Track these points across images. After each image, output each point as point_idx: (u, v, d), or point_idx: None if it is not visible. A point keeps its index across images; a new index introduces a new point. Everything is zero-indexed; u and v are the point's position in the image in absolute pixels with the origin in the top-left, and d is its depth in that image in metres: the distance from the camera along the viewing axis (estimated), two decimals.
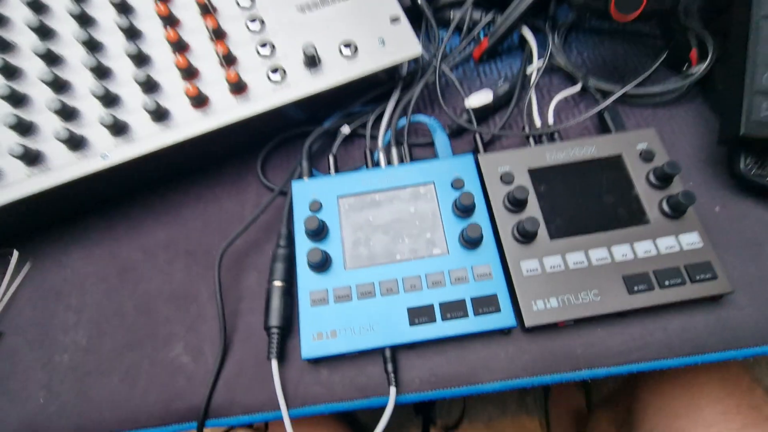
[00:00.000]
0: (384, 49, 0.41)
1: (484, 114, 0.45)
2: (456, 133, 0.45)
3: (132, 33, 0.40)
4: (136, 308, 0.38)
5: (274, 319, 0.34)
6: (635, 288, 0.33)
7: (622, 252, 0.35)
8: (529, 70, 0.47)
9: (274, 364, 0.34)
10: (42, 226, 0.42)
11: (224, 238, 0.40)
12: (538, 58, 0.47)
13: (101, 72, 0.38)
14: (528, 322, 0.33)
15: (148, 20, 0.41)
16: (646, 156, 0.38)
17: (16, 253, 0.41)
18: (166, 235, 0.41)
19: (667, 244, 0.35)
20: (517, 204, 0.36)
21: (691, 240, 0.35)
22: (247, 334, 0.36)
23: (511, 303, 0.33)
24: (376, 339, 0.33)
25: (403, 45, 0.41)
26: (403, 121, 0.44)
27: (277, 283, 0.36)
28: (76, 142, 0.36)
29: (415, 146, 0.45)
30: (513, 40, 0.51)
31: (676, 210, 0.35)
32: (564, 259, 0.35)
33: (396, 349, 0.34)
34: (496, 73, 0.49)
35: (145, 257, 0.40)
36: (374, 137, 0.45)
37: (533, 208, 0.36)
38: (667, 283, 0.33)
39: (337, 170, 0.41)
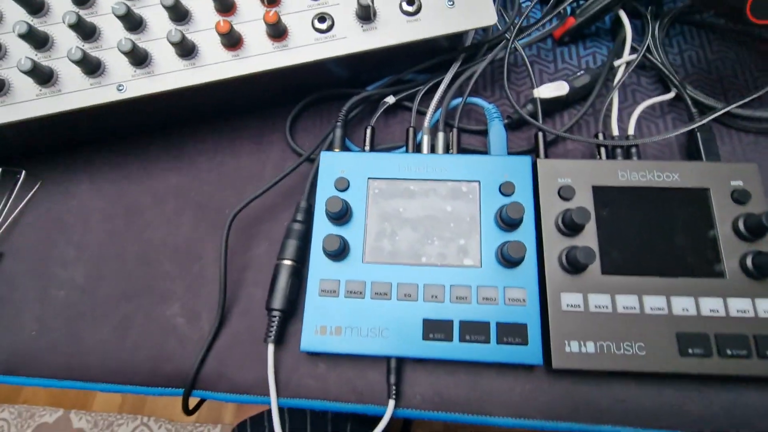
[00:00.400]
0: (452, 11, 0.34)
1: (553, 107, 0.39)
2: (516, 125, 0.39)
3: None
4: (137, 256, 0.36)
5: (278, 302, 0.32)
6: (689, 350, 0.29)
7: (683, 305, 0.30)
8: (616, 63, 0.39)
9: (270, 348, 0.31)
10: (52, 148, 0.40)
11: (238, 196, 0.37)
12: (631, 51, 0.39)
13: None
14: (556, 364, 0.29)
15: None
16: (740, 197, 0.31)
17: (23, 173, 0.38)
18: (177, 182, 0.38)
19: (739, 306, 0.29)
20: (572, 228, 0.30)
21: None
22: (247, 307, 0.34)
23: (541, 337, 0.29)
24: (384, 346, 0.30)
25: (475, 9, 0.35)
26: (457, 102, 0.38)
27: (287, 262, 0.33)
28: (92, 66, 0.33)
29: (465, 132, 0.39)
30: (604, 22, 0.43)
31: (762, 270, 0.29)
32: (613, 300, 0.30)
33: (403, 359, 0.31)
34: (576, 59, 0.42)
35: (153, 202, 0.38)
36: (421, 113, 0.39)
37: (589, 234, 0.31)
38: (729, 352, 0.28)
39: (372, 145, 0.36)
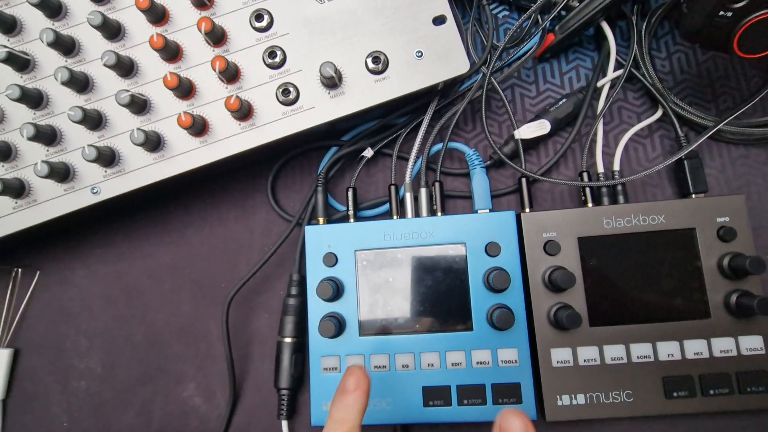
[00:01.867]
0: (421, 63, 0.33)
1: (536, 141, 0.37)
2: (499, 164, 0.38)
3: (110, 31, 0.32)
4: (145, 339, 0.37)
5: (284, 381, 0.33)
6: (674, 393, 0.30)
7: (668, 351, 0.31)
8: (600, 83, 0.37)
9: (284, 424, 0.33)
10: (42, 239, 0.40)
11: (232, 268, 0.38)
12: (615, 67, 0.37)
13: (79, 85, 0.32)
14: (549, 417, 0.31)
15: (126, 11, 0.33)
16: (725, 235, 0.31)
17: (19, 271, 0.39)
18: (170, 260, 0.39)
19: (723, 346, 0.31)
20: (558, 288, 0.31)
21: (752, 344, 0.30)
22: (257, 383, 0.36)
23: (534, 393, 0.31)
24: (388, 415, 0.32)
25: (445, 58, 0.33)
26: (438, 148, 0.37)
27: (287, 340, 0.34)
28: (62, 174, 0.32)
29: (448, 175, 0.38)
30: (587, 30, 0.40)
31: (745, 310, 0.30)
32: (601, 351, 0.31)
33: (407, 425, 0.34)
34: (559, 76, 0.40)
35: (150, 282, 0.38)
36: (402, 158, 0.38)
37: (577, 289, 0.32)
38: (712, 391, 0.30)
39: (356, 205, 0.36)
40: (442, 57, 0.32)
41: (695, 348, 0.31)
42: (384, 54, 0.32)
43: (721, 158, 0.37)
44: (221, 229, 0.39)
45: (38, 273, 0.39)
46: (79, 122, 0.31)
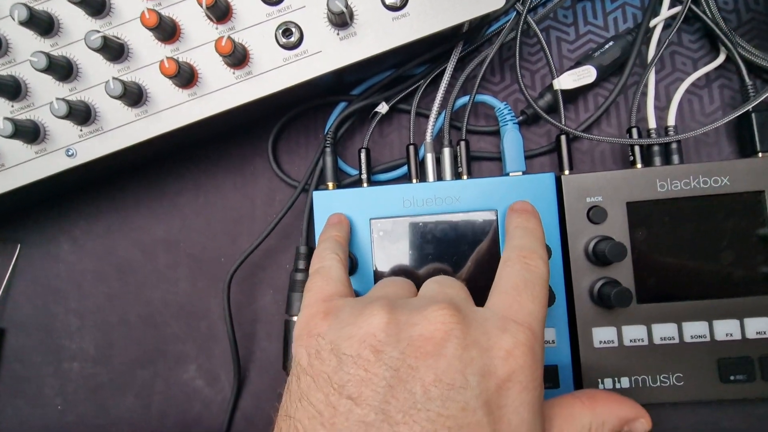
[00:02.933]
0: None
1: (577, 92, 0.32)
2: (532, 120, 0.33)
3: None
4: (141, 319, 0.34)
5: None
6: (731, 377, 0.27)
7: (726, 329, 0.27)
8: (653, 22, 0.32)
9: None
10: (22, 210, 0.36)
11: (232, 243, 0.34)
12: (671, 4, 0.32)
13: (41, 26, 0.27)
14: None
15: None
16: None
17: None
18: (164, 233, 0.35)
19: None
20: (605, 262, 0.27)
21: None
22: (264, 365, 0.33)
23: (573, 377, 0.28)
24: None
25: None
26: (463, 101, 0.32)
27: (295, 318, 0.31)
28: (30, 135, 0.27)
29: (474, 134, 0.34)
30: None
31: None
32: (649, 331, 0.28)
33: None
34: (602, 16, 0.34)
35: (144, 257, 0.35)
36: (421, 115, 0.34)
37: (625, 263, 0.28)
38: None
39: (370, 169, 0.32)
40: None
41: (758, 327, 0.27)
42: None
43: None
44: (218, 198, 0.35)
45: (19, 246, 0.36)
46: (45, 71, 0.26)
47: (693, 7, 0.31)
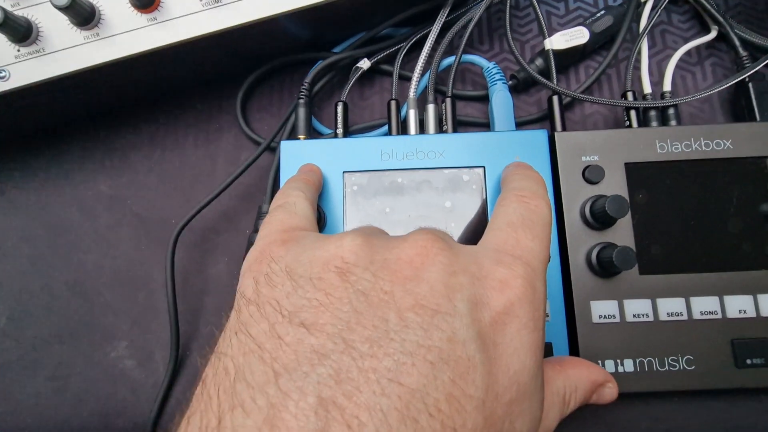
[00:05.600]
0: None
1: (566, 61, 0.31)
2: (522, 86, 0.31)
3: None
4: (69, 286, 0.29)
5: None
6: (747, 361, 0.24)
7: (739, 305, 0.24)
8: None
9: None
10: None
11: (186, 202, 0.30)
12: None
13: None
14: None
15: None
16: None
17: None
18: (108, 188, 0.31)
19: None
20: (604, 221, 0.24)
21: None
22: (210, 341, 0.28)
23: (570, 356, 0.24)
24: None
25: None
26: (449, 62, 0.30)
27: None
28: None
29: (460, 99, 0.32)
30: None
31: None
32: (654, 306, 0.24)
33: None
34: None
35: (82, 216, 0.30)
36: (404, 78, 0.31)
37: (624, 226, 0.25)
38: None
39: (346, 126, 0.29)
40: None
41: None
42: None
43: None
44: (176, 155, 0.31)
45: None
46: None
47: None
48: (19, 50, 0.25)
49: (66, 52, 0.25)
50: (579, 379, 0.18)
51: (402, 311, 0.13)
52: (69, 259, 0.30)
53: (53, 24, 0.25)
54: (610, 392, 0.19)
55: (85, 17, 0.24)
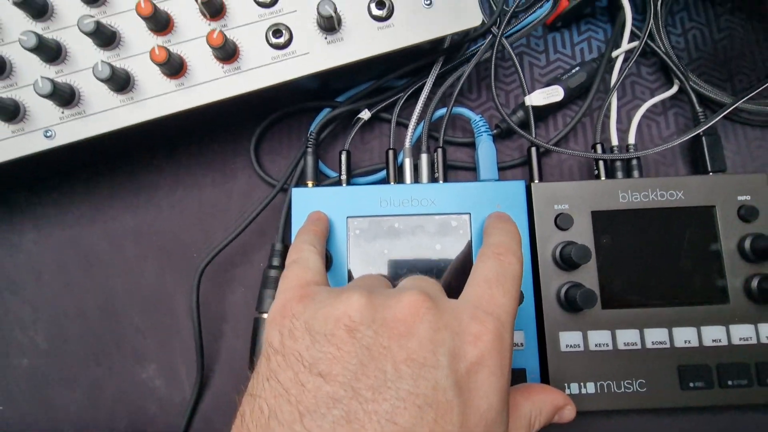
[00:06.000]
0: (430, 12, 0.29)
1: (546, 111, 0.35)
2: (506, 134, 0.35)
3: None
4: (101, 311, 0.33)
5: None
6: (690, 384, 0.28)
7: (685, 336, 0.28)
8: (615, 53, 0.35)
9: None
10: None
11: (205, 236, 0.34)
12: (630, 37, 0.35)
13: (35, 8, 0.28)
14: None
15: None
16: (746, 214, 0.29)
17: None
18: (136, 224, 0.34)
19: (742, 333, 0.28)
20: (571, 265, 0.28)
21: None
22: (230, 362, 0.32)
23: (540, 380, 0.28)
24: None
25: (457, 9, 0.30)
26: (441, 113, 0.34)
27: (266, 316, 0.30)
28: (8, 112, 0.27)
29: (451, 144, 0.35)
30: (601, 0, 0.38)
31: (766, 296, 0.28)
32: (614, 336, 0.28)
33: None
34: (570, 47, 0.37)
35: (111, 248, 0.34)
36: (401, 124, 0.35)
37: (589, 267, 0.29)
38: (730, 382, 0.28)
39: (350, 171, 0.33)
40: (452, 7, 0.29)
41: (713, 335, 0.28)
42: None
43: (737, 140, 0.35)
44: (196, 193, 0.35)
45: None
46: (33, 50, 0.26)
47: (649, 42, 0.35)
48: (63, 112, 0.28)
49: (104, 113, 0.28)
50: (543, 404, 0.22)
51: (397, 363, 0.17)
52: (100, 287, 0.33)
53: (93, 90, 0.28)
54: (569, 413, 0.23)
55: (121, 85, 0.28)
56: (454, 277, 0.29)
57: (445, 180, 0.32)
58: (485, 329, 0.19)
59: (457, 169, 0.35)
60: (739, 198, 0.30)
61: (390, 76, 0.34)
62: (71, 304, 0.33)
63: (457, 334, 0.18)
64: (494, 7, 0.36)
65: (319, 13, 0.27)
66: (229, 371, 0.31)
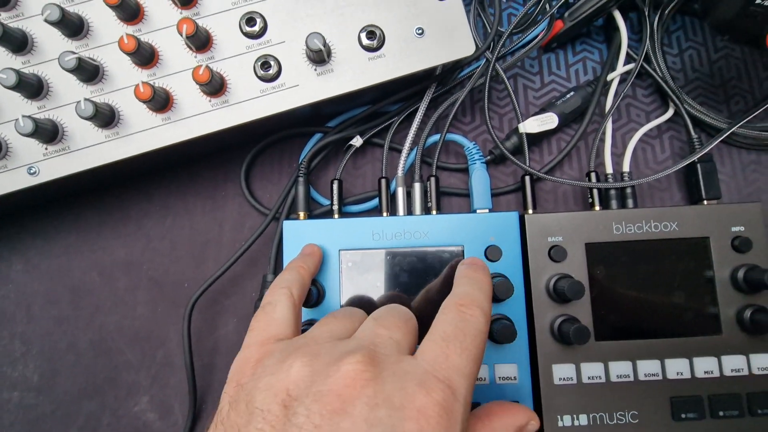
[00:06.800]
0: (421, 42, 0.29)
1: (541, 136, 0.34)
2: (499, 160, 0.35)
3: None
4: (92, 345, 0.33)
5: None
6: (682, 415, 0.28)
7: (677, 368, 0.28)
8: (610, 76, 0.35)
9: None
10: None
11: (196, 267, 0.33)
12: (626, 61, 0.34)
13: (14, 44, 0.27)
14: None
15: None
16: (740, 246, 0.29)
17: None
18: (126, 255, 0.34)
19: (733, 364, 0.28)
20: (564, 299, 0.28)
21: (764, 363, 0.28)
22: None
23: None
24: None
25: (449, 38, 0.29)
26: (434, 139, 0.33)
27: None
28: None
29: (444, 170, 0.35)
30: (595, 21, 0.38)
31: (760, 327, 0.28)
32: (606, 368, 0.28)
33: None
34: (565, 68, 0.37)
35: (101, 280, 0.34)
36: (394, 149, 0.35)
37: (584, 300, 0.29)
38: (721, 413, 0.28)
39: (341, 200, 0.32)
40: (445, 36, 0.29)
41: (705, 366, 0.28)
42: (380, 29, 0.28)
43: (732, 164, 0.35)
44: (186, 221, 0.34)
45: None
46: (13, 88, 0.26)
47: (645, 65, 0.34)
48: (47, 149, 0.27)
49: (88, 149, 0.28)
50: (504, 428, 0.20)
51: None
52: (91, 320, 0.33)
53: (78, 126, 0.27)
54: (533, 427, 0.21)
55: (106, 120, 0.27)
56: (435, 291, 0.29)
57: (439, 208, 0.32)
58: (431, 401, 0.17)
59: (451, 195, 0.34)
60: (733, 229, 0.30)
61: (383, 102, 0.34)
62: (61, 338, 0.33)
63: (398, 409, 0.16)
64: (488, 29, 0.35)
65: (308, 46, 0.27)
66: None
